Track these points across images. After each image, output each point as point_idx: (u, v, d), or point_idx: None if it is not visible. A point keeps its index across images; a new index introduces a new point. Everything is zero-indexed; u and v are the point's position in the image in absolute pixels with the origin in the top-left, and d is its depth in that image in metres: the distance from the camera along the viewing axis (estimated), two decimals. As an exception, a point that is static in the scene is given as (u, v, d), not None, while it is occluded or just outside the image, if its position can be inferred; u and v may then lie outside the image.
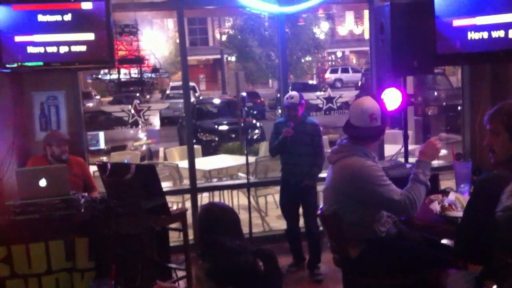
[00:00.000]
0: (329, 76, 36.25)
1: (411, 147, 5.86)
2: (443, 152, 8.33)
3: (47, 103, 5.64)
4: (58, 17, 5.20)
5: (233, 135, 13.77)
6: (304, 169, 5.33)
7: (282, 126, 5.43)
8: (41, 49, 5.21)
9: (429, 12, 5.02)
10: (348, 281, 3.46)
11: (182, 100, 6.82)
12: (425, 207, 3.37)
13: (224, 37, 30.75)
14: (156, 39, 35.57)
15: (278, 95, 7.79)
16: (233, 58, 32.09)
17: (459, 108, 9.82)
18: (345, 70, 36.54)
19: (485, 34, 4.85)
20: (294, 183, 5.37)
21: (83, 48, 5.24)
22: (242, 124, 12.32)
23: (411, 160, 5.23)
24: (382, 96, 5.00)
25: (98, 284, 2.59)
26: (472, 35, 4.98)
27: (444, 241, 3.48)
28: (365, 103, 3.36)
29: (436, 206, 3.29)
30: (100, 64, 5.58)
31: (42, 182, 4.26)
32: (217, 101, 18.01)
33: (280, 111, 7.77)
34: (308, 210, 5.47)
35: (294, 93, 5.46)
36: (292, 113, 5.31)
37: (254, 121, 14.79)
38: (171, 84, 30.95)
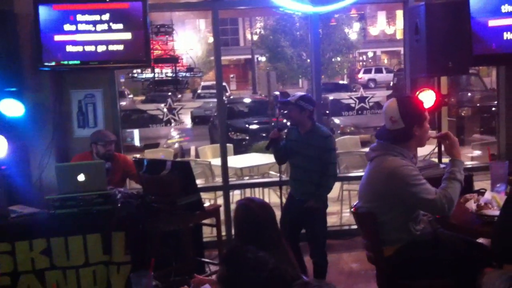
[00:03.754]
0: (362, 76, 36.02)
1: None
2: (476, 152, 8.28)
3: (85, 101, 5.77)
4: (96, 17, 5.31)
5: (264, 134, 13.81)
6: (310, 187, 4.67)
7: (292, 132, 4.82)
8: (79, 48, 5.33)
9: (465, 12, 4.99)
10: (382, 280, 3.47)
11: (213, 100, 6.91)
12: (460, 206, 3.36)
13: (255, 37, 30.85)
14: (189, 39, 35.88)
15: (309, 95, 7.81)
16: (263, 58, 32.15)
17: (493, 109, 9.69)
18: (378, 70, 36.17)
19: (522, 34, 4.81)
20: (298, 201, 4.73)
21: (120, 47, 5.34)
22: (273, 123, 12.39)
23: (445, 160, 5.21)
24: (416, 95, 4.98)
25: (137, 276, 2.65)
26: (508, 35, 4.94)
27: (480, 240, 3.47)
28: (385, 106, 3.37)
29: (472, 205, 3.28)
30: (137, 63, 5.69)
31: (81, 177, 4.35)
32: (247, 100, 18.05)
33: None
34: (313, 238, 4.77)
35: (298, 93, 4.89)
36: (285, 113, 4.71)
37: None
38: (203, 83, 31.18)
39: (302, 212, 4.69)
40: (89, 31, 5.31)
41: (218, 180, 7.03)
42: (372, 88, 30.37)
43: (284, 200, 5.42)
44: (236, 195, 7.45)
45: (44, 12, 5.25)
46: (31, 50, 5.27)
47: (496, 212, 3.07)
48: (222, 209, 5.63)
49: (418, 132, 3.34)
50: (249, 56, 39.11)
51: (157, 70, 30.57)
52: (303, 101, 4.65)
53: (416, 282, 3.30)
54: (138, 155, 9.13)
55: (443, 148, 5.56)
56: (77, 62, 5.34)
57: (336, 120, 13.57)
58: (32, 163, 5.36)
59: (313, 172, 4.65)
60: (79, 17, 5.30)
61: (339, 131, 13.18)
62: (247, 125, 14.45)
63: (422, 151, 5.98)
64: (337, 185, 7.42)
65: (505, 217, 2.60)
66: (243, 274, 2.14)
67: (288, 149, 4.83)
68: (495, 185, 3.61)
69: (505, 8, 4.93)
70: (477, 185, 4.40)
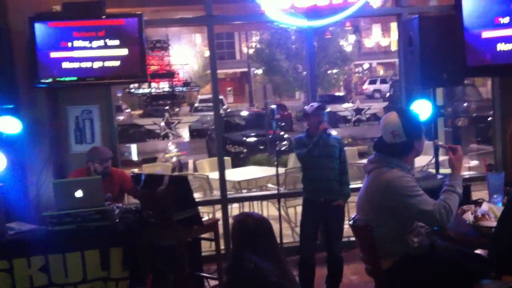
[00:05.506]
0: (367, 87, 36.10)
1: (441, 158, 5.83)
2: (474, 162, 8.31)
3: (82, 117, 5.78)
4: (92, 34, 5.34)
5: (261, 147, 13.82)
6: (335, 185, 4.96)
7: (306, 141, 5.02)
8: (75, 65, 5.35)
9: (458, 24, 5.03)
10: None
11: (210, 113, 6.92)
12: (458, 218, 3.36)
13: (251, 51, 30.99)
14: (185, 54, 36.04)
15: (305, 107, 7.79)
16: (259, 71, 32.27)
17: (489, 119, 9.73)
18: (383, 81, 36.13)
19: (515, 45, 4.85)
20: (324, 201, 4.93)
21: (116, 63, 5.36)
22: (270, 136, 12.40)
23: (442, 171, 5.21)
24: (412, 108, 5.00)
25: (135, 292, 2.65)
26: (502, 47, 4.97)
27: (477, 251, 3.46)
28: (386, 120, 3.36)
29: (469, 216, 3.28)
30: (133, 78, 5.71)
31: (78, 193, 4.35)
32: (244, 113, 18.08)
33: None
34: (336, 233, 5.08)
35: (314, 104, 5.21)
36: (323, 120, 5.01)
37: (282, 133, 14.82)
38: (199, 97, 31.27)
39: (327, 211, 4.94)
40: (85, 48, 5.33)
41: (216, 194, 7.02)
42: (377, 99, 30.56)
43: (283, 213, 5.44)
44: (234, 209, 7.44)
45: (40, 29, 5.27)
46: (26, 67, 5.27)
47: (493, 224, 3.08)
48: (220, 223, 5.62)
49: (418, 145, 3.36)
50: (246, 69, 39.26)
51: (154, 84, 30.78)
52: None
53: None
54: (136, 170, 9.14)
55: (440, 159, 5.60)
56: (74, 78, 5.35)
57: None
58: (29, 179, 5.34)
59: (334, 170, 4.98)
60: (75, 34, 5.33)
61: (336, 143, 13.15)
62: (244, 138, 14.45)
63: (419, 162, 6.00)
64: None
65: (502, 227, 2.60)
66: (243, 285, 2.14)
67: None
68: (492, 196, 3.62)
69: (498, 20, 4.97)
70: (475, 195, 4.42)
